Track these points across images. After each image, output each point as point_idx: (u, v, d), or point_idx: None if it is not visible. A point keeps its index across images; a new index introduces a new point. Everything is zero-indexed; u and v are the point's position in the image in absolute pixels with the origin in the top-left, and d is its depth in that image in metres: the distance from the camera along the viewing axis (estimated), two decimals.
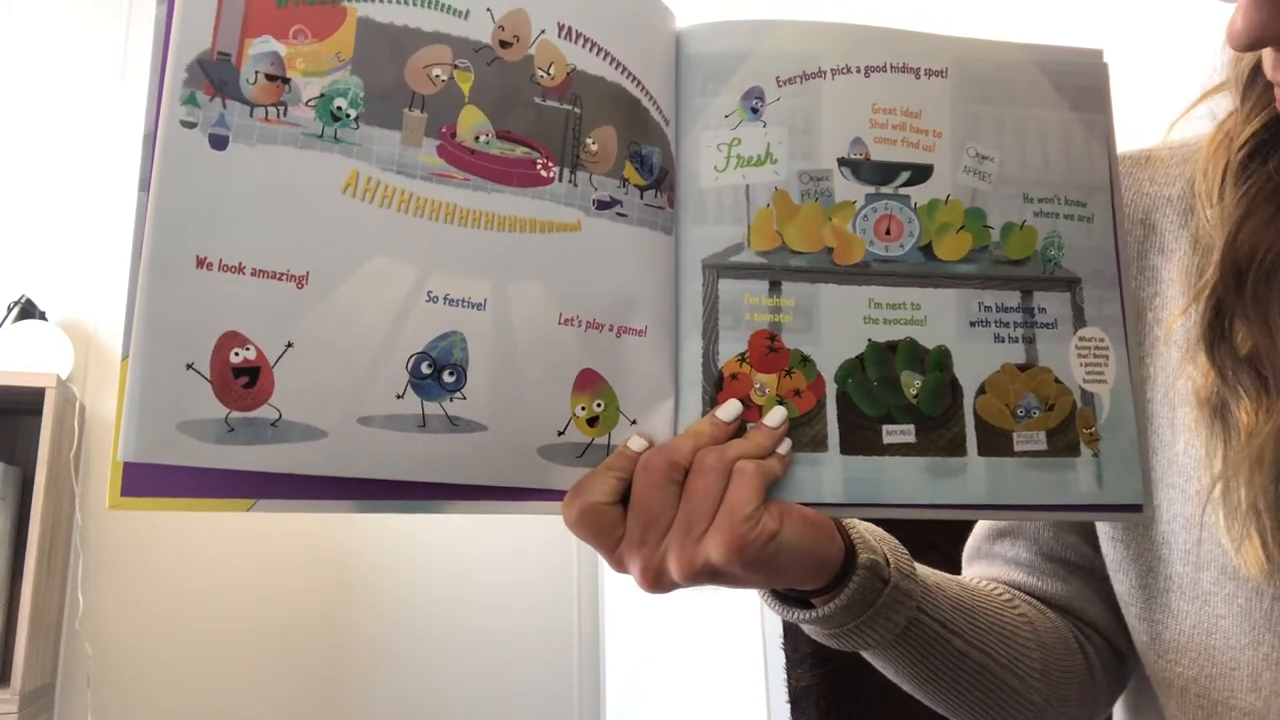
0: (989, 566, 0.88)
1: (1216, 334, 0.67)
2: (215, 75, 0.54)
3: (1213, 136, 0.74)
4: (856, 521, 0.70)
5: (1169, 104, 0.75)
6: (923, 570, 0.74)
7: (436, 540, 2.93)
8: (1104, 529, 0.79)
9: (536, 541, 3.05)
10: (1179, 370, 0.72)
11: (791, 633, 1.05)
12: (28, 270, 2.67)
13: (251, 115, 0.54)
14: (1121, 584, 0.78)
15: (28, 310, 2.54)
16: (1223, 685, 0.70)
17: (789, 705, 1.05)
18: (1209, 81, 0.74)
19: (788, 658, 1.06)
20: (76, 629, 2.56)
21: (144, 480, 0.53)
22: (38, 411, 2.30)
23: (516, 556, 3.02)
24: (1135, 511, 0.65)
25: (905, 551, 0.72)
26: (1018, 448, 0.63)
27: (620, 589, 3.05)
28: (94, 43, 2.89)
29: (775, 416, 0.61)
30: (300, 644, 2.77)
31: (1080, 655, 0.81)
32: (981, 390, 0.64)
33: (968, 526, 0.92)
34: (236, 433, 0.52)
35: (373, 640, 2.84)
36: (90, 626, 2.57)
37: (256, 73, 0.54)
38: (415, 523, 2.92)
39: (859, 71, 0.65)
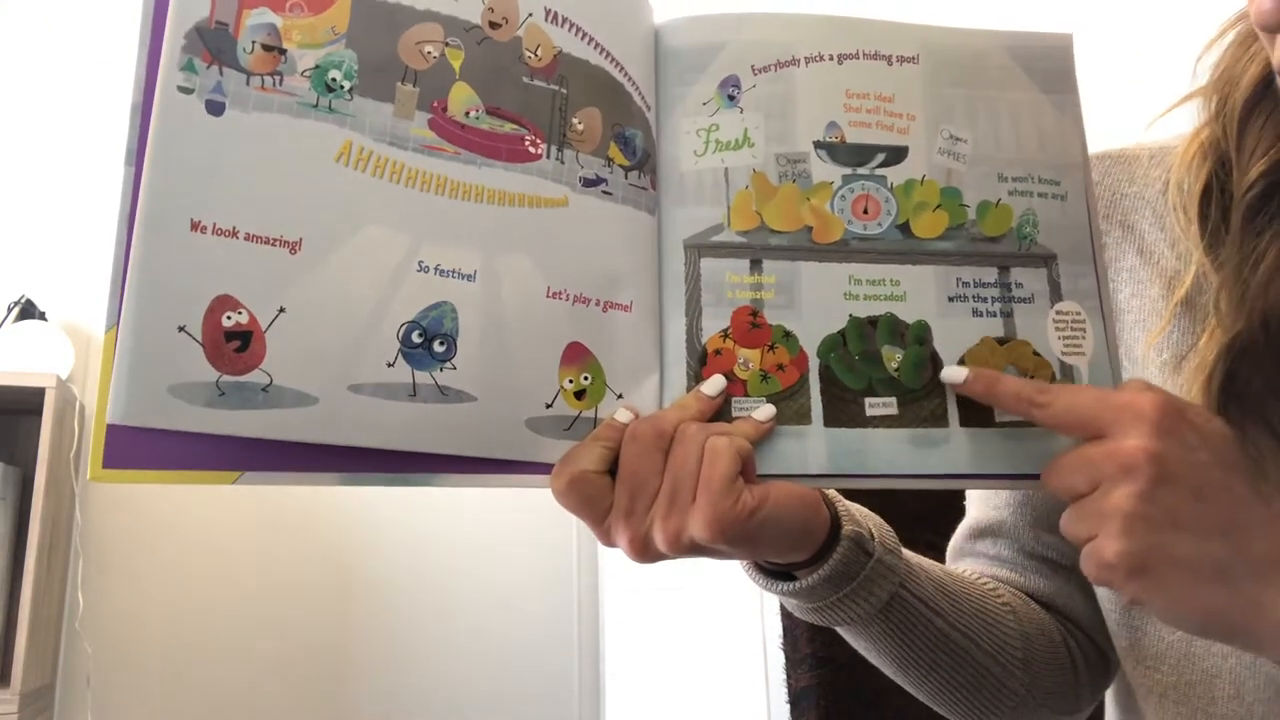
0: (973, 564, 0.89)
1: (1231, 394, 0.67)
2: (213, 43, 0.55)
3: (1187, 147, 0.75)
4: (845, 500, 0.71)
5: (1141, 90, 0.76)
6: (908, 552, 0.74)
7: (436, 541, 2.94)
8: None
9: (536, 541, 3.05)
10: (1163, 383, 0.73)
11: (791, 633, 1.06)
12: (28, 270, 2.68)
13: (248, 83, 0.55)
14: (1102, 590, 0.79)
15: (28, 310, 2.55)
16: (1202, 692, 0.71)
17: (789, 705, 1.05)
18: (1190, 75, 0.74)
19: (788, 658, 1.06)
20: (76, 629, 2.56)
21: (127, 451, 0.52)
22: (38, 411, 2.31)
23: (516, 556, 3.02)
24: None
25: (891, 530, 0.73)
26: (999, 418, 0.64)
27: (620, 589, 3.05)
28: (94, 44, 2.91)
29: (764, 413, 0.62)
30: (300, 644, 2.77)
31: (1064, 649, 0.82)
32: (961, 363, 0.65)
33: None
34: (227, 397, 0.52)
35: (372, 639, 2.84)
36: (90, 626, 2.58)
37: (253, 43, 0.56)
38: (414, 523, 2.92)
39: (832, 59, 0.67)
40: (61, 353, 2.54)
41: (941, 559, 0.91)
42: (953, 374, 0.63)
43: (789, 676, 1.06)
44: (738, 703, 2.42)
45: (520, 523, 3.02)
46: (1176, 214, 0.74)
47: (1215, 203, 0.71)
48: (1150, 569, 0.52)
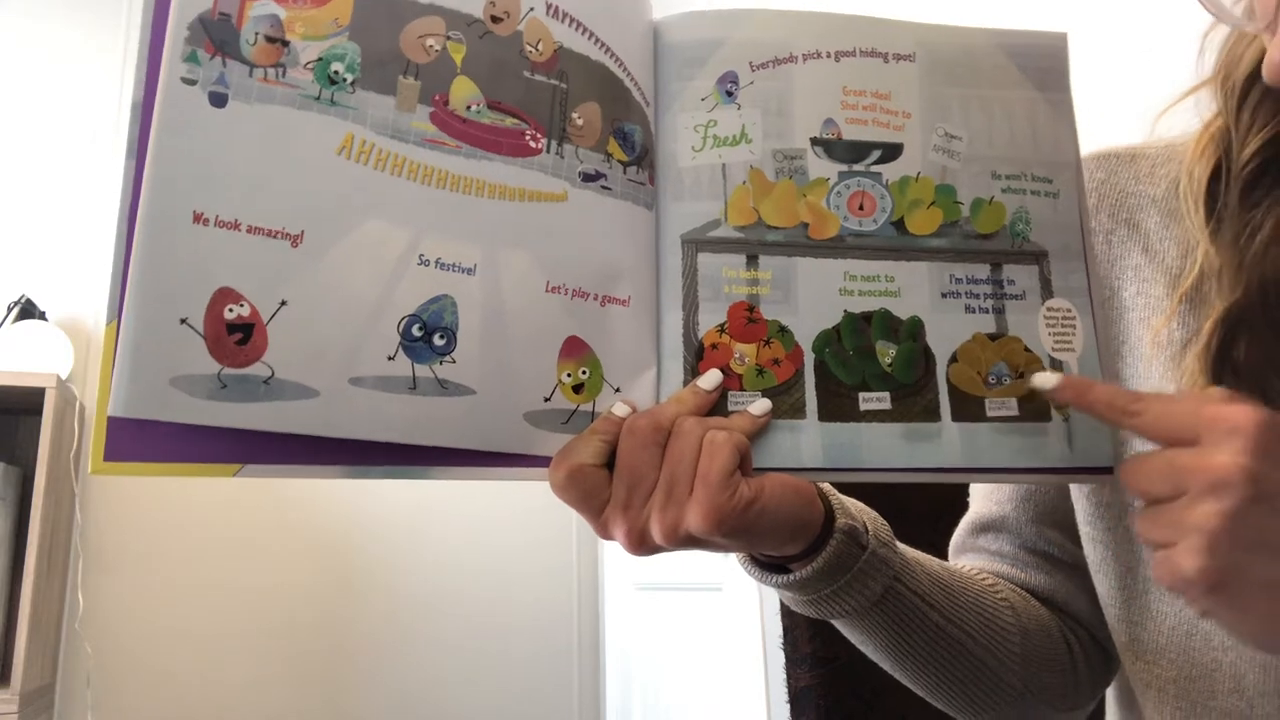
0: (974, 559, 0.89)
1: (1226, 364, 0.68)
2: (216, 34, 0.55)
3: (1198, 139, 0.75)
4: (840, 494, 0.72)
5: (1137, 89, 0.77)
6: (904, 546, 0.75)
7: (436, 539, 2.94)
8: (1085, 529, 0.80)
9: (537, 539, 3.06)
10: (1164, 376, 0.73)
11: (791, 633, 1.05)
12: (28, 270, 2.69)
13: (251, 75, 0.56)
14: (1101, 584, 0.79)
15: (28, 310, 2.56)
16: (1202, 686, 0.71)
17: (789, 705, 1.05)
18: (1194, 73, 0.75)
19: (788, 658, 1.06)
20: (76, 629, 2.57)
21: (128, 444, 0.52)
22: (38, 411, 2.32)
23: (516, 554, 3.03)
24: (1106, 474, 0.67)
25: (886, 524, 0.73)
26: (990, 413, 0.65)
27: (620, 589, 3.05)
28: (94, 43, 2.92)
29: (759, 407, 0.62)
30: (300, 643, 2.77)
31: (1064, 645, 0.82)
32: (954, 359, 0.65)
33: None
34: (229, 389, 0.52)
35: (372, 637, 2.85)
36: (90, 626, 2.58)
37: (256, 34, 0.56)
38: (414, 521, 2.93)
39: (829, 56, 0.68)
40: (61, 353, 2.54)
41: (941, 557, 0.91)
42: (1043, 380, 0.62)
43: (789, 676, 1.06)
44: (738, 703, 2.42)
45: (520, 519, 3.03)
46: (1186, 204, 0.74)
47: (1222, 187, 0.72)
48: (1229, 587, 0.51)
